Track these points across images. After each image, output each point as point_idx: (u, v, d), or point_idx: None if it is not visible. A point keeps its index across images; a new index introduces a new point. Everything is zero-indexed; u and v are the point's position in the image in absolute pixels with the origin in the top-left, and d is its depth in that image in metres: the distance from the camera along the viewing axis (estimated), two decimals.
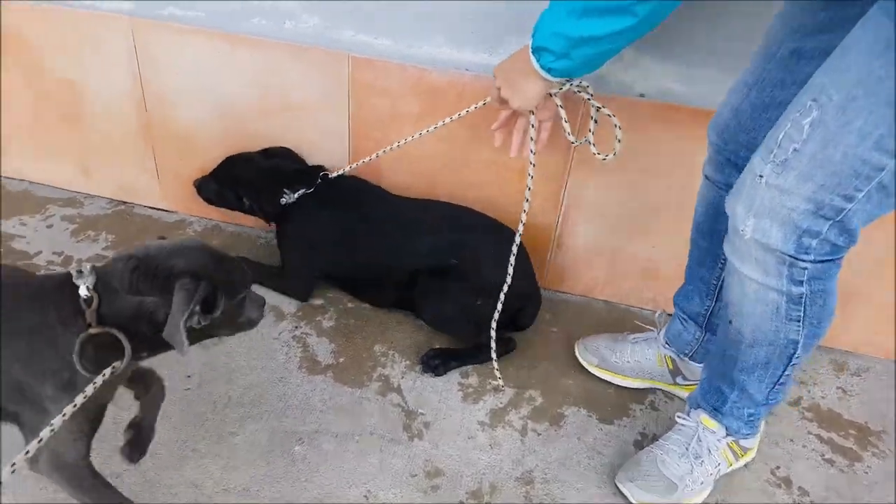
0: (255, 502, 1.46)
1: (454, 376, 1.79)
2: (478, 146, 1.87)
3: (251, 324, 1.28)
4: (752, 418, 1.48)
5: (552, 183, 1.88)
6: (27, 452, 1.01)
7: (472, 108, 1.62)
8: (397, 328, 1.91)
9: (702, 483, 1.51)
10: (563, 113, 1.49)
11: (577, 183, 1.87)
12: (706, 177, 1.51)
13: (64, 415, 1.04)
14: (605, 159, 1.52)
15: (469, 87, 1.78)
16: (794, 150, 1.07)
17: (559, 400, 1.76)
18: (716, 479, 1.54)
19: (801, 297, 1.20)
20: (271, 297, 1.96)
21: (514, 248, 1.66)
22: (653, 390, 1.79)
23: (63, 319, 1.10)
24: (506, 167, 1.89)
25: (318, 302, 1.97)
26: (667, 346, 1.74)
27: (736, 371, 1.40)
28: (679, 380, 1.75)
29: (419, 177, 1.97)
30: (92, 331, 1.08)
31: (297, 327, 1.89)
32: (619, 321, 2.00)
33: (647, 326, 1.83)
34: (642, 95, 1.71)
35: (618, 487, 1.53)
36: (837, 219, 1.09)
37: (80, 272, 1.09)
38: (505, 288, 1.67)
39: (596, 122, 1.53)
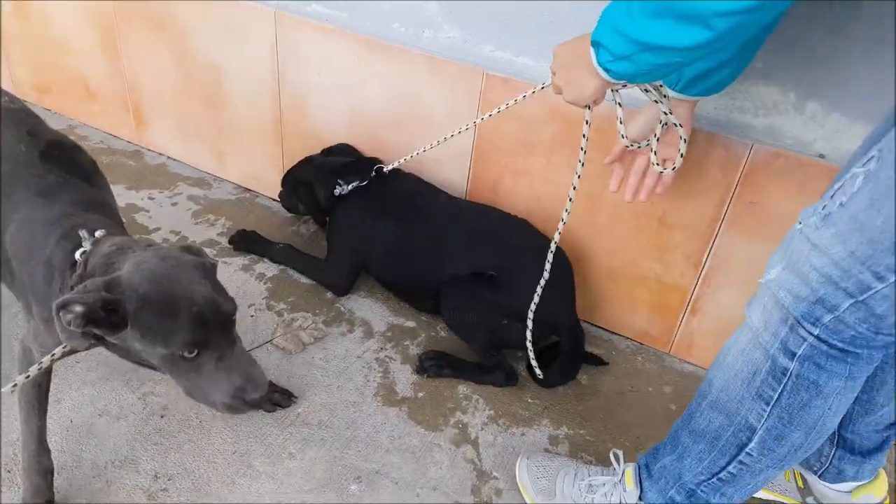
0: None
1: (542, 439, 1.59)
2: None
3: (204, 400, 1.09)
4: None
5: (696, 239, 1.64)
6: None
7: (528, 94, 1.45)
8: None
9: None
10: (620, 112, 1.31)
11: (727, 241, 1.61)
12: None
13: (40, 365, 1.10)
14: (662, 172, 1.37)
15: (611, 121, 1.58)
16: (840, 204, 0.91)
17: None
18: None
19: (785, 374, 1.01)
20: (363, 312, 1.87)
21: (547, 265, 1.55)
22: None
23: (62, 269, 1.14)
24: (643, 214, 1.66)
25: (409, 324, 1.85)
26: None
27: (685, 430, 1.19)
28: (809, 500, 1.44)
29: (539, 209, 1.79)
30: (68, 296, 1.00)
31: (382, 348, 1.78)
32: None
33: None
34: (822, 156, 1.44)
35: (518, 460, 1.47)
36: (861, 298, 0.90)
37: (92, 234, 1.14)
38: (532, 307, 1.58)
39: (672, 124, 1.34)
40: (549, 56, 1.58)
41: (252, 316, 1.83)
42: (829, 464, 1.38)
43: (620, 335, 1.89)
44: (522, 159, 1.75)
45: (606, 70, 1.08)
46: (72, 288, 1.08)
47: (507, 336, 1.65)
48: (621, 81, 1.13)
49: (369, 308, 1.89)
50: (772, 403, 1.04)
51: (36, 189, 1.30)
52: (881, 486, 1.37)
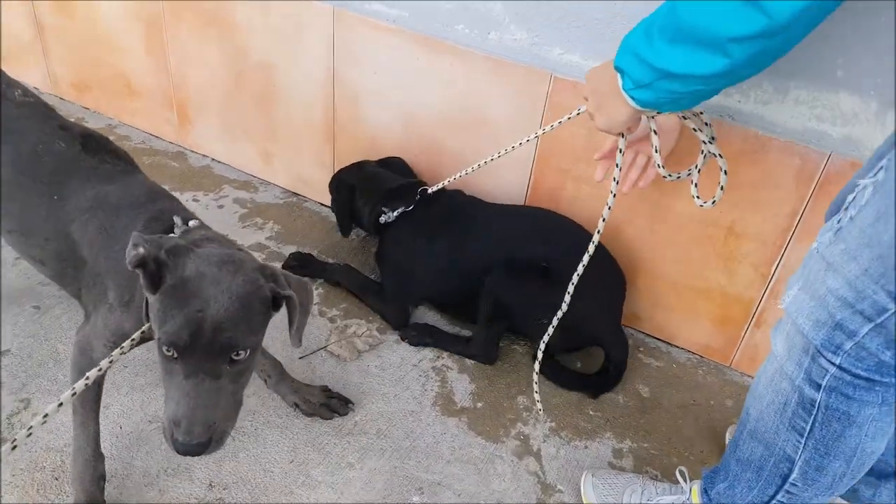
0: None
1: (606, 452, 1.54)
2: (676, 197, 1.62)
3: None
4: None
5: (766, 249, 1.59)
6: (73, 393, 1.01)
7: (568, 117, 1.41)
8: (547, 381, 1.68)
9: None
10: (655, 140, 1.26)
11: (799, 253, 1.56)
12: None
13: (122, 349, 1.08)
14: (702, 206, 1.30)
15: (673, 126, 1.54)
16: (851, 218, 0.86)
17: None
18: None
19: (814, 406, 0.96)
20: (417, 319, 1.83)
21: (580, 269, 1.44)
22: None
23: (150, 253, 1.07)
24: (712, 223, 1.62)
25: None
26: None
27: (732, 458, 1.15)
28: None
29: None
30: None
31: (439, 357, 1.73)
32: None
33: None
34: None
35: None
36: (879, 321, 0.85)
37: (184, 221, 1.16)
38: (563, 307, 1.51)
39: (712, 154, 1.28)
40: None
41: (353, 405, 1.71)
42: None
43: (680, 347, 1.84)
44: (585, 165, 1.70)
45: (631, 97, 1.04)
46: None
47: (531, 328, 1.63)
48: (650, 110, 1.08)
49: (424, 315, 1.85)
50: (805, 435, 1.00)
51: (98, 178, 1.29)
52: None
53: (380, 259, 1.86)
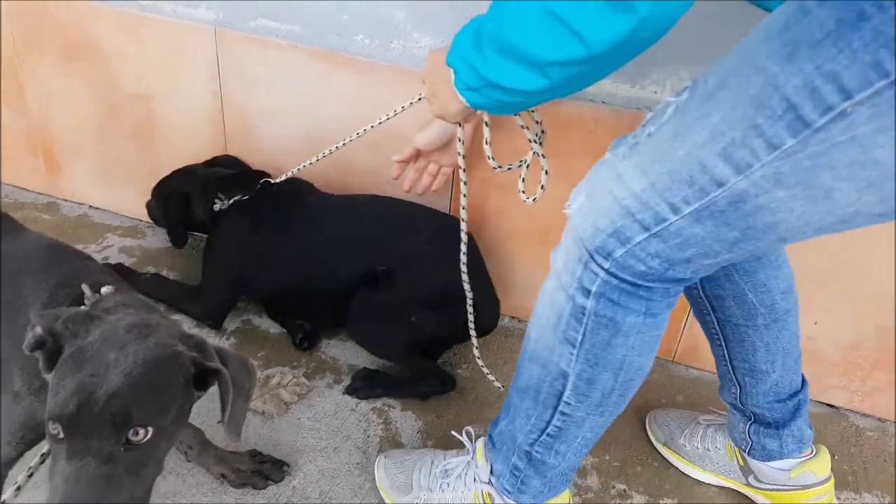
0: None
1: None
2: None
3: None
4: (515, 472, 1.17)
5: None
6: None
7: (408, 103, 1.40)
8: (497, 402, 1.57)
9: None
10: (486, 133, 1.28)
11: None
12: None
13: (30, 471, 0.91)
14: (526, 201, 1.32)
15: (604, 122, 1.48)
16: (648, 134, 0.89)
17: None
18: None
19: (584, 314, 0.99)
20: (348, 357, 1.66)
21: (463, 248, 1.45)
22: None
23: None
24: None
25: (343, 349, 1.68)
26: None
27: (513, 390, 1.15)
28: (752, 480, 1.39)
29: (532, 225, 1.66)
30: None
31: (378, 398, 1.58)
32: None
33: (720, 411, 1.48)
34: None
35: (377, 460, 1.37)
36: (654, 231, 0.89)
37: (95, 289, 0.97)
38: (469, 304, 1.50)
39: (535, 154, 1.31)
40: None
41: (289, 466, 1.54)
42: (750, 440, 1.35)
43: None
44: (510, 173, 1.61)
45: (463, 97, 1.03)
46: None
47: (423, 331, 1.54)
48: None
49: (355, 352, 1.68)
50: (577, 346, 1.01)
51: None
52: (822, 464, 1.33)
53: (206, 251, 1.71)
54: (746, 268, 1.20)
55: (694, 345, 1.71)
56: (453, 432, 1.37)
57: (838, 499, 1.44)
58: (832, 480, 1.34)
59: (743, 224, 0.83)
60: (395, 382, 1.59)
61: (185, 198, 1.69)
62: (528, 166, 1.35)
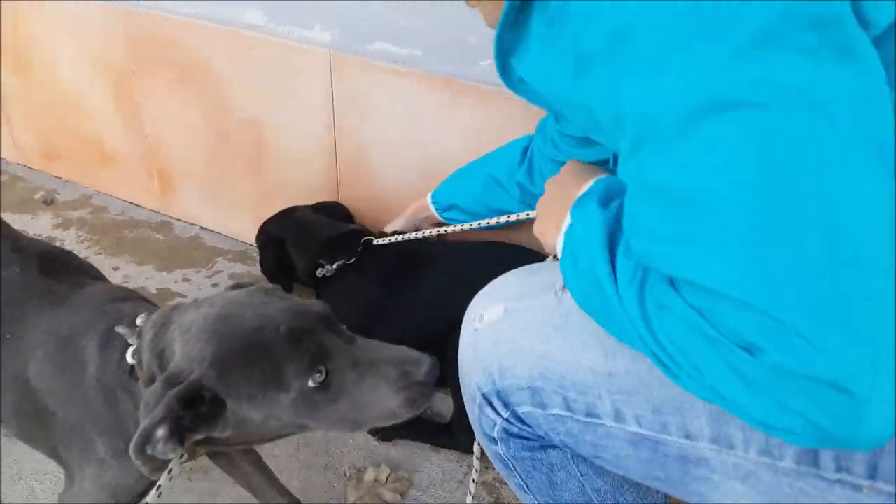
0: None
1: None
2: None
3: (387, 416, 0.82)
4: None
5: None
6: None
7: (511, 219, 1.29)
8: None
9: None
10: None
11: None
12: None
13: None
14: None
15: None
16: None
17: None
18: None
19: (502, 460, 0.88)
20: (448, 406, 1.51)
21: None
22: None
23: (121, 382, 0.89)
24: None
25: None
26: None
27: None
28: None
29: None
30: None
31: (487, 467, 1.42)
32: None
33: None
34: None
35: None
36: (577, 418, 0.77)
37: (135, 326, 0.87)
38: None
39: None
40: None
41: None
42: None
43: None
44: None
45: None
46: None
47: None
48: None
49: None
50: (529, 491, 0.91)
51: (52, 303, 1.01)
52: None
53: None
54: None
55: None
56: None
57: None
58: None
59: (677, 476, 0.71)
60: (420, 428, 1.46)
61: (282, 248, 1.60)
62: None
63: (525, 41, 0.72)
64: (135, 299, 1.05)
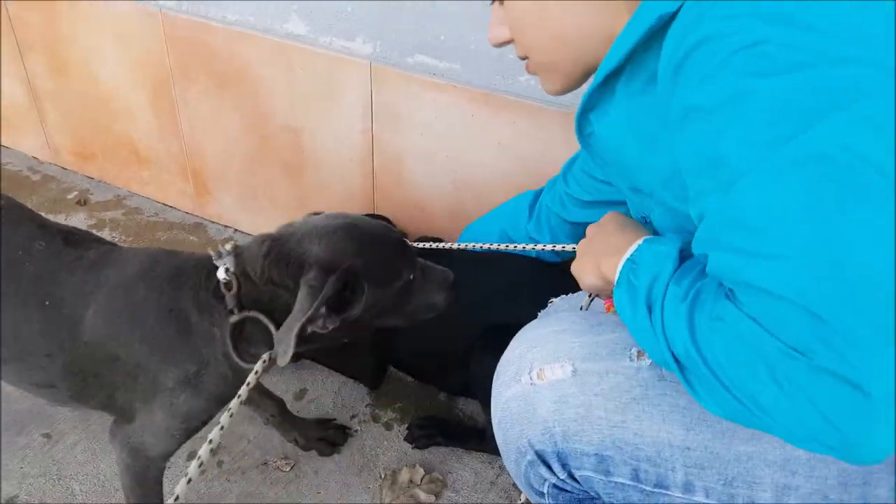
0: None
1: None
2: None
3: (431, 309, 1.12)
4: None
5: None
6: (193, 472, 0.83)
7: (559, 247, 1.24)
8: None
9: None
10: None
11: None
12: None
13: (230, 411, 0.90)
14: None
15: None
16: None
17: None
18: None
19: None
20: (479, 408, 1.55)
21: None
22: None
23: (199, 304, 1.02)
24: None
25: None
26: None
27: None
28: None
29: None
30: (234, 318, 0.99)
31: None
32: None
33: None
34: None
35: None
36: (643, 488, 0.80)
37: (219, 254, 1.00)
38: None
39: None
40: None
41: (357, 430, 1.52)
42: None
43: None
44: None
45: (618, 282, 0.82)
46: (238, 309, 0.99)
47: None
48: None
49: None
50: None
51: (91, 265, 1.09)
52: None
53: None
54: None
55: None
56: None
57: None
58: None
59: None
60: (455, 432, 1.49)
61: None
62: None
63: (608, 102, 0.83)
64: (179, 256, 1.13)
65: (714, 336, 0.64)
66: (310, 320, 0.91)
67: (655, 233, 0.89)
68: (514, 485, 1.42)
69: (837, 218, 0.56)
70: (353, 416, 1.56)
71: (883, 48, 0.56)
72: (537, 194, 1.43)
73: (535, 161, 1.52)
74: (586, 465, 0.80)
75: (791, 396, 0.58)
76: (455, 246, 1.46)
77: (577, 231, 1.30)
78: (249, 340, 1.02)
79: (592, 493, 0.83)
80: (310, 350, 1.58)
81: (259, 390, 1.39)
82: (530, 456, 0.84)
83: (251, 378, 0.96)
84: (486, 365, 1.30)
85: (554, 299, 1.14)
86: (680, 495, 0.77)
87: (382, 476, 1.43)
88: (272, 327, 0.98)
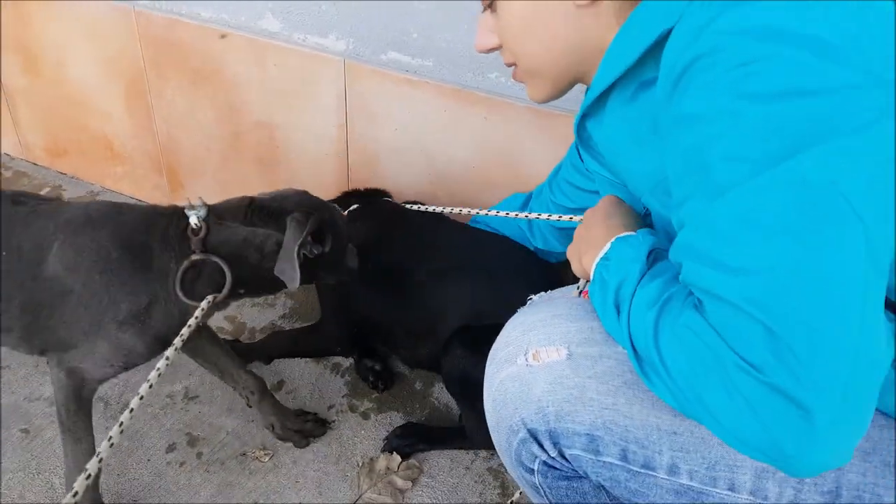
0: None
1: None
2: None
3: (350, 273, 1.34)
4: None
5: None
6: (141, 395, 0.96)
7: (555, 217, 1.29)
8: None
9: None
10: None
11: None
12: None
13: (167, 358, 1.03)
14: None
15: None
16: None
17: None
18: None
19: (533, 487, 0.94)
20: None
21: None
22: None
23: (164, 242, 1.14)
24: None
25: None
26: None
27: None
28: None
29: None
30: (195, 257, 1.12)
31: (493, 455, 1.50)
32: None
33: None
34: None
35: None
36: (630, 468, 0.84)
37: (192, 206, 1.14)
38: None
39: None
40: None
41: (334, 420, 1.55)
42: None
43: None
44: None
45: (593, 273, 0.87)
46: (201, 252, 1.13)
47: None
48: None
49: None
50: None
51: (46, 216, 1.18)
52: None
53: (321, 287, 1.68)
54: None
55: None
56: None
57: None
58: None
59: None
60: (436, 435, 1.51)
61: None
62: None
63: (602, 110, 0.89)
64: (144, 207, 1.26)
65: (675, 342, 0.68)
66: (301, 245, 1.12)
67: (650, 224, 0.92)
68: (489, 469, 1.46)
69: (809, 242, 0.60)
70: (330, 407, 1.59)
71: (882, 64, 0.59)
72: (527, 199, 1.46)
73: (506, 154, 1.56)
74: (577, 445, 0.83)
75: (738, 407, 0.62)
76: (448, 210, 1.48)
77: (567, 236, 1.34)
78: (203, 282, 1.14)
79: (581, 472, 0.87)
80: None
81: (240, 366, 1.43)
82: (522, 434, 0.86)
83: (197, 314, 1.10)
84: (458, 364, 1.36)
85: (533, 296, 1.18)
86: (665, 476, 0.80)
87: (360, 464, 1.47)
88: (227, 270, 1.13)
